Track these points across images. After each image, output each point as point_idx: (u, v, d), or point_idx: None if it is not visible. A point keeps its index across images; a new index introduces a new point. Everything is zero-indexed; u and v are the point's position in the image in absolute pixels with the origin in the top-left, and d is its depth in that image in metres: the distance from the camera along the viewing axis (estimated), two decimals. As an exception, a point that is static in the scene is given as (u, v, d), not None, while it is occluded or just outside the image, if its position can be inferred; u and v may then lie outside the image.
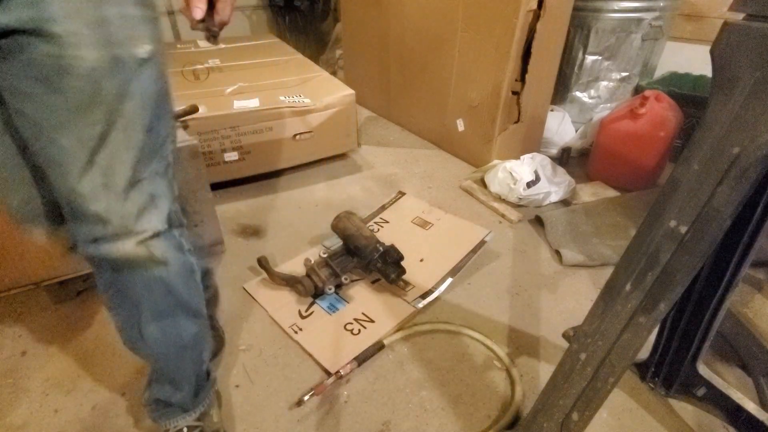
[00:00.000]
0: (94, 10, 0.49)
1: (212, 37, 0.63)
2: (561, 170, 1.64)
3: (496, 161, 1.73)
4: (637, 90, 1.87)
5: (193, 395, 0.80)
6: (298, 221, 1.51)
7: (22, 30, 0.47)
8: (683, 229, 0.52)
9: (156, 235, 0.63)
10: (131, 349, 0.74)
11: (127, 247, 0.61)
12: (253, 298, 1.18)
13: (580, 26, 1.76)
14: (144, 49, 0.55)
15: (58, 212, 0.63)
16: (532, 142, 1.84)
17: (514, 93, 1.64)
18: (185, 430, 0.80)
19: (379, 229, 1.44)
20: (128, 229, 0.61)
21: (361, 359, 0.99)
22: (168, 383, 0.78)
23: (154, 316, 0.69)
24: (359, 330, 1.07)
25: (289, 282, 1.17)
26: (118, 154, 0.57)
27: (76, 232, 0.61)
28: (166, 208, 0.64)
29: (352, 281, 1.20)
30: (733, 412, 0.84)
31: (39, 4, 0.46)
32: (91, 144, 0.55)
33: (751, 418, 0.80)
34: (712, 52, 0.49)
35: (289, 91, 1.72)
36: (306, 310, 1.13)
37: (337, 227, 1.26)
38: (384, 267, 1.15)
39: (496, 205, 1.57)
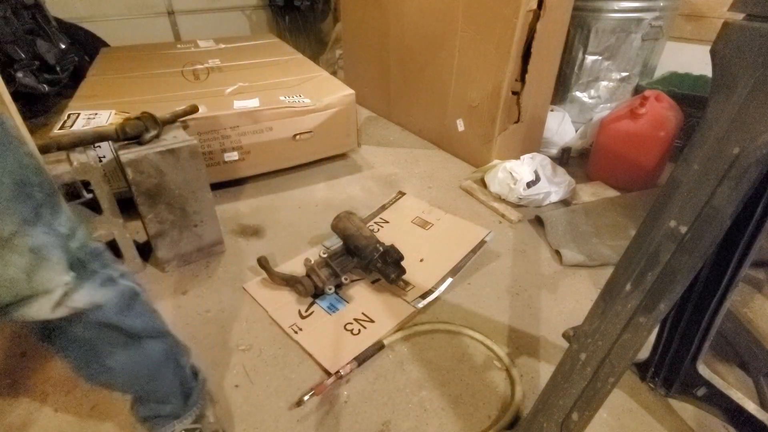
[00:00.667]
0: None
1: None
2: (561, 170, 1.64)
3: (496, 161, 1.73)
4: (637, 90, 1.87)
5: (182, 402, 0.78)
6: (298, 221, 1.51)
7: None
8: (683, 229, 0.52)
9: (69, 290, 0.55)
10: (97, 384, 0.68)
11: (42, 313, 0.53)
12: (253, 298, 1.18)
13: (580, 26, 1.76)
14: None
15: None
16: (532, 142, 1.84)
17: (514, 93, 1.64)
18: None
19: (379, 229, 1.44)
20: (24, 295, 0.52)
21: (361, 359, 0.99)
22: (152, 402, 0.75)
23: (115, 347, 0.64)
24: (359, 330, 1.07)
25: (289, 282, 1.17)
26: None
27: None
28: (60, 255, 0.54)
29: (352, 281, 1.20)
30: (733, 412, 0.84)
31: None
32: None
33: (751, 418, 0.80)
34: (712, 52, 0.49)
35: (289, 91, 1.72)
36: (306, 310, 1.13)
37: (337, 227, 1.26)
38: (384, 267, 1.15)
39: (496, 205, 1.57)
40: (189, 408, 0.79)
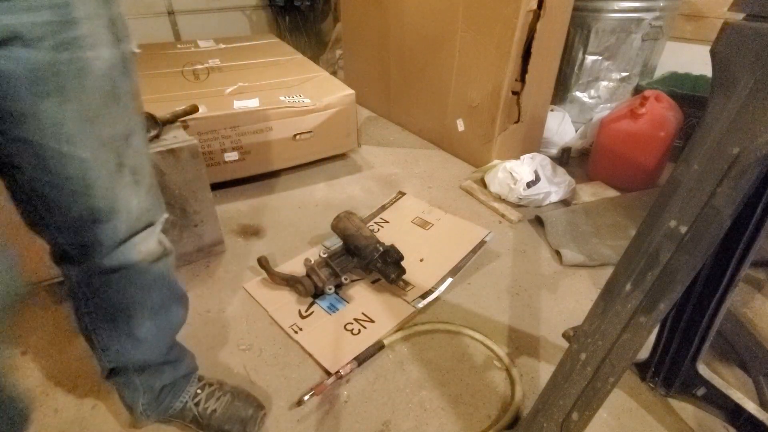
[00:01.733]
0: (107, 10, 0.51)
1: None
2: (561, 170, 1.64)
3: (496, 161, 1.73)
4: (637, 90, 1.87)
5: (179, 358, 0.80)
6: (298, 221, 1.51)
7: (20, 38, 0.43)
8: (683, 229, 0.52)
9: (163, 225, 0.63)
10: (118, 362, 0.70)
11: (151, 245, 0.60)
12: (253, 298, 1.18)
13: (580, 26, 1.76)
14: (134, 45, 0.56)
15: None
16: (532, 142, 1.84)
17: (514, 93, 1.64)
18: (207, 386, 0.81)
19: (379, 229, 1.43)
20: (149, 221, 0.60)
21: (361, 359, 0.99)
22: (158, 369, 0.75)
23: (150, 314, 0.66)
24: (359, 330, 1.07)
25: (289, 282, 1.17)
26: (140, 151, 0.58)
27: (89, 251, 0.57)
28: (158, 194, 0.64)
29: (352, 281, 1.20)
30: (733, 412, 0.84)
31: (64, 8, 0.46)
32: (117, 146, 0.55)
33: (751, 418, 0.80)
34: (712, 52, 0.49)
35: (289, 91, 1.72)
36: (306, 310, 1.13)
37: (337, 227, 1.26)
38: (384, 267, 1.15)
39: (496, 205, 1.57)
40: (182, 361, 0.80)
